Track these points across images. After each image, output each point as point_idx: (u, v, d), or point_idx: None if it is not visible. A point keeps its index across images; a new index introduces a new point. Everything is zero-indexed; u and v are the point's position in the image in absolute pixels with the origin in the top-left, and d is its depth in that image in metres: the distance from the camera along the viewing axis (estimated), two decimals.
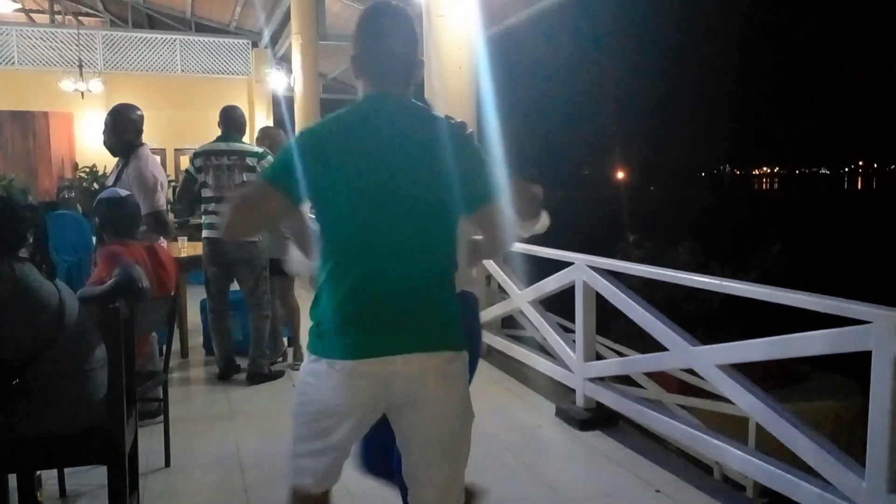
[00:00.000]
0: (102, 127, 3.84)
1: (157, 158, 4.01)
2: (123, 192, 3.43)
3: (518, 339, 4.86)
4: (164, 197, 3.79)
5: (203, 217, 4.40)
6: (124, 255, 3.17)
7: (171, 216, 9.62)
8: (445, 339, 1.58)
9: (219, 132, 4.42)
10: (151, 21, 16.31)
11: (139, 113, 3.85)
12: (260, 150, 4.42)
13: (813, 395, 7.89)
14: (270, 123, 13.76)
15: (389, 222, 1.52)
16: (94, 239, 3.63)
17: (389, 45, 1.61)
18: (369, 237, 1.52)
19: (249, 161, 4.28)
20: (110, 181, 3.89)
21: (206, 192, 4.30)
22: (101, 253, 3.27)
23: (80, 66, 11.97)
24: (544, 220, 2.10)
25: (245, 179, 4.26)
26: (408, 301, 1.53)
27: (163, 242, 3.87)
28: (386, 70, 1.61)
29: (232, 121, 4.42)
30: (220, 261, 4.33)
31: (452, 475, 1.64)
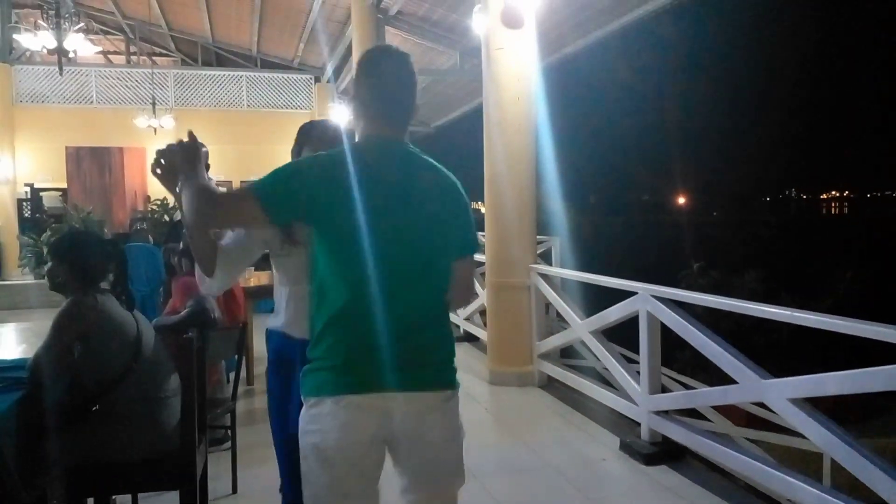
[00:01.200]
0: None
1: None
2: None
3: (577, 369, 4.80)
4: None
5: None
6: (197, 287, 3.30)
7: None
8: (444, 379, 1.64)
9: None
10: (219, 59, 17.01)
11: (204, 149, 3.98)
12: None
13: (891, 429, 7.49)
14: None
15: (391, 261, 1.55)
16: (163, 269, 3.77)
17: (391, 89, 1.65)
18: (372, 274, 1.54)
19: None
20: (178, 215, 4.06)
21: None
22: (175, 284, 3.40)
23: (154, 104, 12.57)
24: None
25: None
26: (408, 339, 1.57)
27: None
28: (387, 113, 1.64)
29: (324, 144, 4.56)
30: None
31: (447, 487, 1.69)
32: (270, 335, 2.05)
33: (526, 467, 3.49)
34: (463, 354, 6.14)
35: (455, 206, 1.66)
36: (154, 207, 12.71)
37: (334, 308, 1.56)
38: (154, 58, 18.22)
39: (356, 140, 1.69)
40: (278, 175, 1.58)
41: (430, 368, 1.61)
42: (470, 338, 6.55)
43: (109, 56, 18.09)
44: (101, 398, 2.37)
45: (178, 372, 2.51)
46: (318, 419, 1.56)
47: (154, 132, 12.40)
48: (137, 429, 2.39)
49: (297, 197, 1.54)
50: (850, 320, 2.52)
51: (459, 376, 1.68)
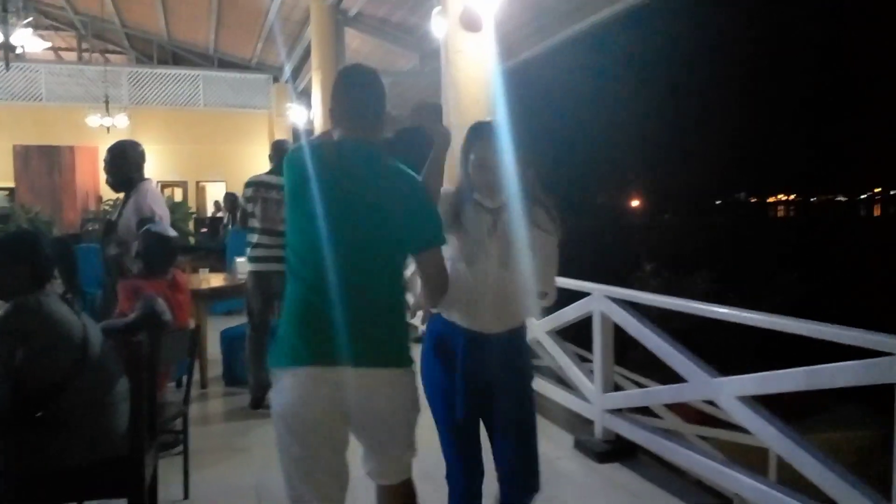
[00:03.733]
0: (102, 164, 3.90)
1: (158, 193, 4.04)
2: (172, 232, 3.49)
3: (534, 369, 4.84)
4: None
5: (249, 250, 4.45)
6: (146, 289, 3.23)
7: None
8: (394, 357, 1.81)
9: (249, 166, 4.53)
10: (175, 57, 16.70)
11: (140, 149, 3.90)
12: None
13: (833, 425, 7.76)
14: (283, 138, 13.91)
15: (347, 248, 1.74)
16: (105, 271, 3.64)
17: (358, 98, 1.86)
18: (321, 256, 1.73)
19: None
20: (115, 217, 3.94)
21: (253, 223, 4.37)
22: (121, 287, 3.32)
23: (107, 102, 12.27)
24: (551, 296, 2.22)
25: None
26: (360, 320, 1.74)
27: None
28: (355, 118, 1.85)
29: (283, 153, 4.52)
30: (265, 292, 4.38)
31: (399, 457, 1.88)
32: (433, 320, 2.16)
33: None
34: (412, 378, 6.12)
35: (415, 203, 1.80)
36: (107, 208, 12.39)
37: (297, 287, 1.78)
38: (107, 55, 17.79)
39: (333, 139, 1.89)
40: None
41: (381, 347, 1.78)
42: None
43: (60, 53, 17.58)
44: (45, 404, 2.30)
45: (126, 376, 2.45)
46: (281, 390, 1.76)
47: (107, 131, 12.11)
48: (84, 435, 2.32)
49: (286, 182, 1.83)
50: (795, 320, 2.61)
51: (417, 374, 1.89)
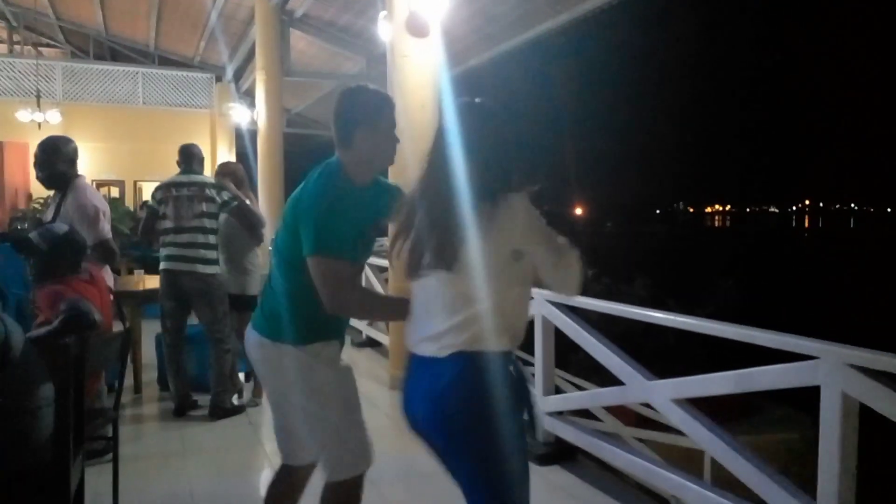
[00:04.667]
0: (33, 160, 3.74)
1: (95, 188, 3.93)
2: (61, 229, 3.27)
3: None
4: (107, 225, 3.69)
5: (161, 249, 4.33)
6: (67, 293, 3.07)
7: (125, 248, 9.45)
8: (271, 330, 2.03)
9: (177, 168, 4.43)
10: (114, 53, 16.20)
11: (72, 145, 3.76)
12: (218, 182, 4.40)
13: (766, 427, 8.02)
14: (233, 156, 13.66)
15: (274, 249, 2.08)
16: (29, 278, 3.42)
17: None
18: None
19: (209, 192, 4.26)
20: (49, 216, 3.76)
21: (166, 224, 4.26)
22: (41, 296, 3.11)
23: (38, 97, 11.80)
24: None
25: (204, 210, 4.23)
26: (268, 303, 2.08)
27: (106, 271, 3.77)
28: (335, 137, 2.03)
29: (192, 155, 4.44)
30: (176, 294, 4.27)
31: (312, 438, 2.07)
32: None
33: (425, 472, 3.46)
34: (365, 360, 6.08)
35: (301, 211, 1.93)
36: (37, 206, 11.89)
37: None
38: (40, 48, 17.12)
39: None
40: None
41: (269, 321, 2.05)
42: (372, 343, 6.50)
43: None
44: None
45: (52, 380, 2.34)
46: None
47: (38, 126, 11.63)
48: (3, 442, 2.21)
49: None
50: (728, 325, 2.68)
51: (359, 380, 2.11)
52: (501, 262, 1.64)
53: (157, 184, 4.45)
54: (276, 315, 2.01)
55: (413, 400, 1.74)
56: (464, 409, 1.62)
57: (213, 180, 4.41)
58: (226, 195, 4.29)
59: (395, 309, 1.95)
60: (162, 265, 4.31)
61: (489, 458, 1.63)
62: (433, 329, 1.67)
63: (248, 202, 4.43)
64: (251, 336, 2.07)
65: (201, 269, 4.22)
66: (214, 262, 4.28)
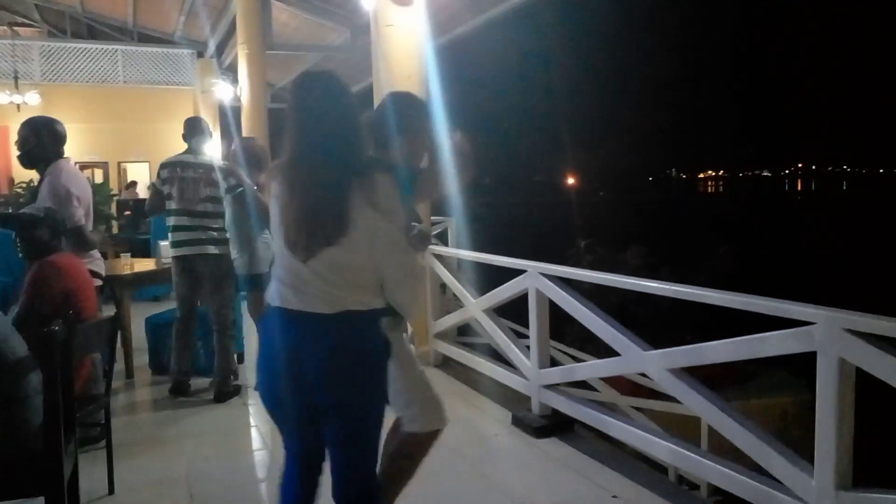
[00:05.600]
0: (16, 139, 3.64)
1: (77, 172, 3.77)
2: (39, 209, 3.23)
3: (473, 347, 4.85)
4: (81, 211, 3.57)
5: (169, 234, 4.25)
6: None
7: (114, 231, 9.36)
8: None
9: (169, 144, 4.31)
10: (91, 31, 15.87)
11: (57, 127, 3.65)
12: (226, 166, 4.27)
13: (761, 392, 8.10)
14: (216, 132, 13.49)
15: None
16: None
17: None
18: None
19: (215, 176, 4.17)
20: (33, 198, 3.70)
21: (171, 205, 4.18)
22: (26, 280, 3.09)
23: (16, 78, 11.58)
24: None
25: (209, 193, 4.15)
26: None
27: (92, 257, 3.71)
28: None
29: (198, 131, 4.31)
30: (189, 278, 4.22)
31: None
32: None
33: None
34: None
35: None
36: (19, 191, 11.72)
37: None
38: (16, 28, 16.73)
39: None
40: None
41: None
42: None
43: None
44: None
45: (40, 368, 2.30)
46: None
47: (17, 109, 11.43)
48: None
49: None
50: (723, 293, 2.65)
51: None
52: (374, 234, 1.72)
53: (141, 163, 4.35)
54: None
55: (301, 358, 1.73)
56: (356, 363, 1.73)
57: (221, 164, 4.31)
58: (232, 180, 4.16)
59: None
60: (173, 251, 4.23)
61: (371, 411, 1.78)
62: (320, 289, 1.71)
63: (255, 188, 4.25)
64: None
65: (212, 250, 4.16)
66: (224, 242, 4.21)
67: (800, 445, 2.39)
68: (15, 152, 3.67)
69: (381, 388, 1.80)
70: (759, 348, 2.45)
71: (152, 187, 4.38)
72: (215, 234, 4.18)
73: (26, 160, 3.63)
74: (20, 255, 3.19)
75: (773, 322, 2.35)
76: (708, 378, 2.81)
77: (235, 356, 4.78)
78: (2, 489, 2.28)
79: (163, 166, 4.23)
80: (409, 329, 2.38)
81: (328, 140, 1.72)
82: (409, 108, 2.14)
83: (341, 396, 1.73)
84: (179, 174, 4.17)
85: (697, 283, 3.10)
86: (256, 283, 4.13)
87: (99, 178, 13.24)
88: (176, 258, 4.22)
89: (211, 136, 4.41)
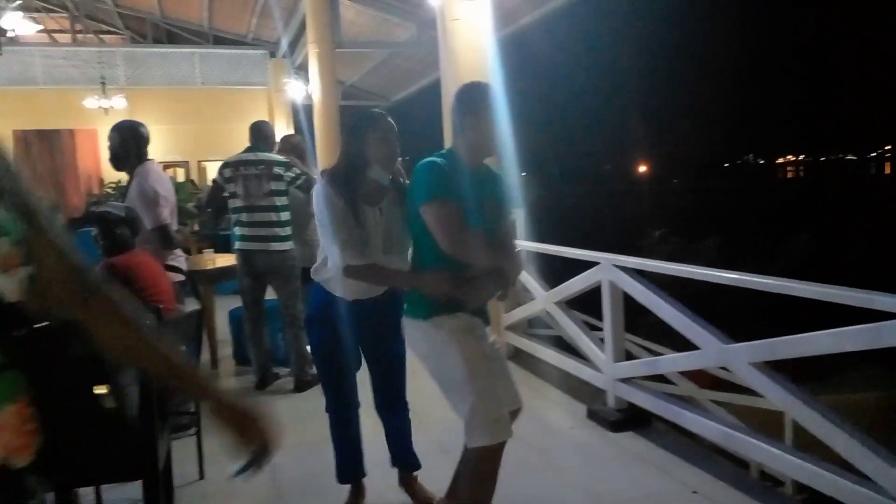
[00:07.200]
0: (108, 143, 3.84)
1: (163, 173, 3.95)
2: (113, 209, 3.38)
3: (543, 339, 4.82)
4: (166, 211, 3.72)
5: (234, 228, 4.42)
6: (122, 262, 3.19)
7: (195, 227, 9.73)
8: (406, 309, 2.37)
9: (245, 143, 4.47)
10: (170, 36, 16.50)
11: (142, 129, 3.83)
12: (286, 159, 4.44)
13: (848, 387, 7.73)
14: (291, 132, 13.77)
15: None
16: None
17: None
18: None
19: (277, 170, 4.31)
20: (122, 198, 3.89)
21: (236, 203, 4.33)
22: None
23: (103, 84, 12.16)
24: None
25: (273, 188, 4.29)
26: None
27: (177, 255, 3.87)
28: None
29: (261, 133, 4.49)
30: (252, 272, 4.37)
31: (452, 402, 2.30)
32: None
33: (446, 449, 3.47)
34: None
35: (414, 180, 2.27)
36: (109, 191, 12.36)
37: None
38: (102, 36, 17.60)
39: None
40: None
41: (406, 303, 2.38)
42: None
43: (54, 35, 17.40)
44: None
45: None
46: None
47: (105, 113, 12.02)
48: (99, 422, 2.31)
49: None
50: (806, 283, 2.56)
51: None
52: None
53: (219, 162, 4.51)
54: (408, 295, 2.31)
55: None
56: None
57: (280, 158, 4.46)
58: (294, 171, 4.33)
59: (511, 263, 2.29)
60: (237, 244, 4.39)
61: None
62: None
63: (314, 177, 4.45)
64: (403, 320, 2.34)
65: (275, 246, 4.30)
66: (287, 238, 4.34)
67: (890, 443, 2.29)
68: (106, 155, 3.88)
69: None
70: (846, 342, 2.39)
71: (213, 183, 4.55)
72: (279, 229, 4.31)
73: (115, 162, 3.83)
74: (99, 252, 3.32)
75: (861, 315, 2.25)
76: (790, 372, 2.72)
77: (309, 347, 4.92)
78: (104, 474, 2.43)
79: (225, 165, 4.39)
80: (492, 335, 2.39)
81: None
82: (466, 93, 2.29)
83: None
84: (242, 172, 4.31)
85: (778, 273, 3.00)
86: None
87: (181, 178, 13.78)
88: (238, 251, 4.37)
89: (269, 138, 4.55)
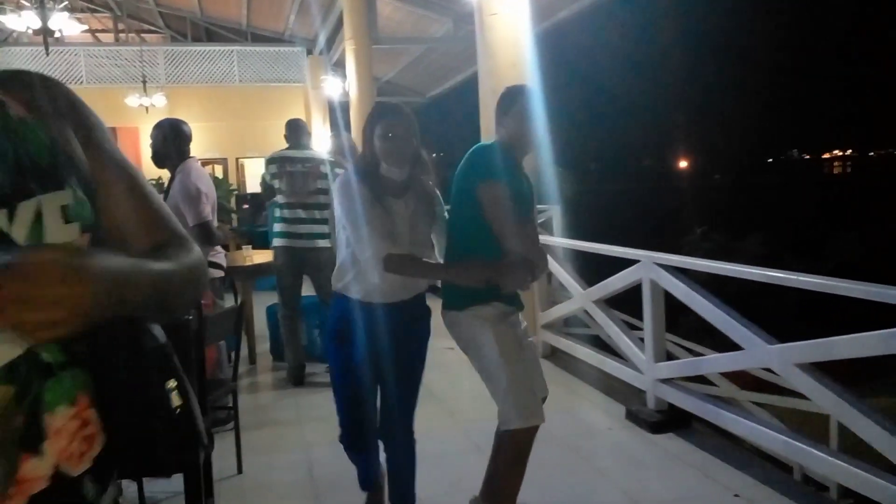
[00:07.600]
0: (150, 141, 3.89)
1: (204, 170, 4.00)
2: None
3: (580, 338, 4.77)
4: (208, 208, 3.75)
5: (275, 225, 4.46)
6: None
7: (234, 224, 9.88)
8: (444, 301, 2.40)
9: (283, 142, 4.51)
10: (209, 34, 16.76)
11: (184, 127, 3.87)
12: (332, 158, 4.49)
13: (891, 389, 7.50)
14: (327, 128, 13.91)
15: None
16: None
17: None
18: None
19: (324, 169, 4.36)
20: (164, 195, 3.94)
21: (280, 199, 4.38)
22: None
23: (144, 82, 12.40)
24: None
25: (319, 186, 4.32)
26: None
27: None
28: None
29: (301, 129, 4.54)
30: (295, 269, 4.41)
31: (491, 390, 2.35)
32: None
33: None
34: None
35: (469, 162, 2.35)
36: None
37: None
38: (143, 35, 17.97)
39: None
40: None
41: (443, 294, 2.42)
42: None
43: (97, 34, 17.83)
44: None
45: (175, 354, 2.46)
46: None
47: (146, 111, 12.25)
48: (149, 415, 2.35)
49: None
50: (852, 283, 2.47)
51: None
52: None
53: (257, 159, 4.56)
54: (445, 288, 2.37)
55: None
56: None
57: (329, 157, 4.49)
58: (339, 172, 4.36)
59: (539, 258, 2.33)
60: (280, 241, 4.41)
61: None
62: None
63: None
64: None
65: (321, 243, 4.35)
66: (328, 235, 4.38)
67: None
68: (147, 153, 3.94)
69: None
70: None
71: (263, 182, 4.59)
72: (322, 227, 4.34)
73: (157, 160, 3.88)
74: None
75: None
76: (836, 373, 2.63)
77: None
78: (147, 467, 2.47)
79: (270, 161, 4.43)
80: (524, 322, 2.44)
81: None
82: (505, 95, 2.39)
83: None
84: (288, 169, 4.35)
85: (824, 271, 2.91)
86: None
87: (220, 174, 14.00)
88: (282, 248, 4.39)
89: (309, 134, 4.58)
